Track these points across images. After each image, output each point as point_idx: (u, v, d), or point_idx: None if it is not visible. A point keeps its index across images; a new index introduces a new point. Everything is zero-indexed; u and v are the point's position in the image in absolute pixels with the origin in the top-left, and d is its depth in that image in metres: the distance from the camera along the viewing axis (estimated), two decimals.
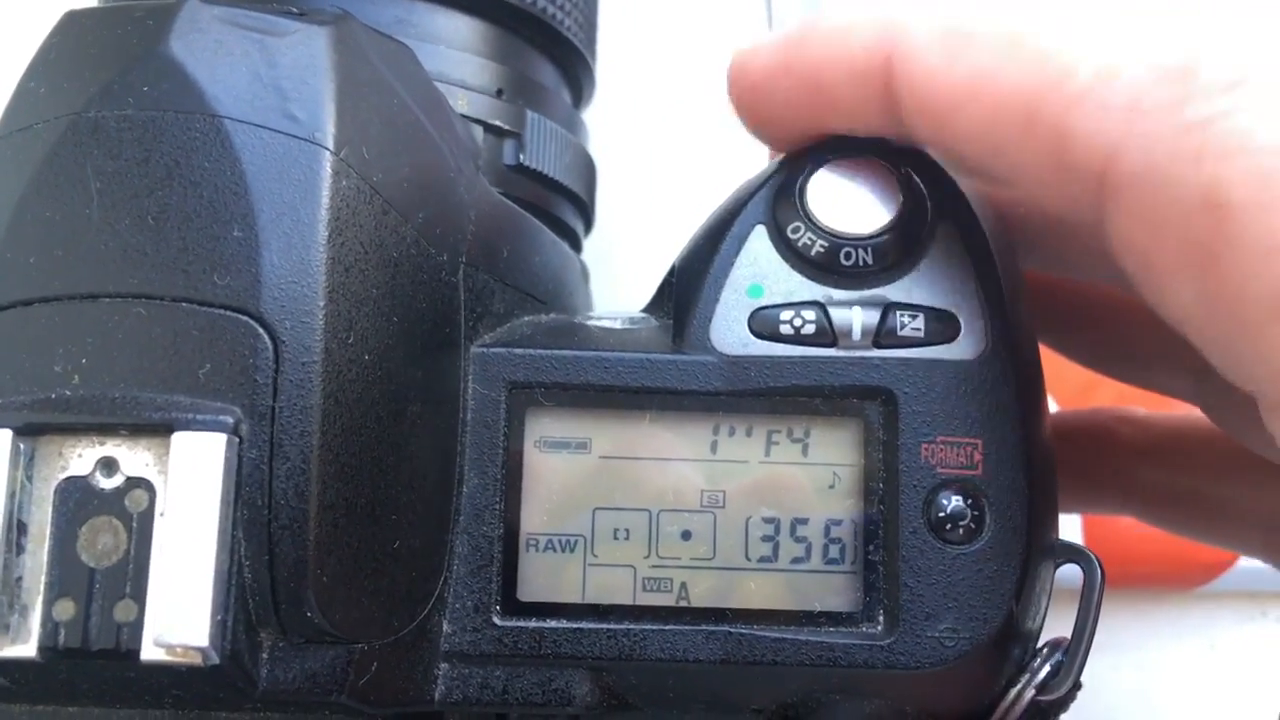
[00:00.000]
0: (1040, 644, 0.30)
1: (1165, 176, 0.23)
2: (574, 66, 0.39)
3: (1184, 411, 0.36)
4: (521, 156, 0.35)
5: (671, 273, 0.32)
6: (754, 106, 0.30)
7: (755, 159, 0.37)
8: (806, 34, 0.28)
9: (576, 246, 0.40)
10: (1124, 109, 0.23)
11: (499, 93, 0.35)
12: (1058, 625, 0.30)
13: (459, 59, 0.34)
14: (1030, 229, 0.33)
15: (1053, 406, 0.49)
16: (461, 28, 0.35)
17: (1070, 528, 0.49)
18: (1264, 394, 0.23)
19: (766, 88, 0.29)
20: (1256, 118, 0.22)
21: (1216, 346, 0.24)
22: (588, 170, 0.39)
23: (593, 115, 0.44)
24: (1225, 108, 0.22)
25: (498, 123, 0.34)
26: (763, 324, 0.29)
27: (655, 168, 0.52)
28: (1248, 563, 0.49)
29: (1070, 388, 0.49)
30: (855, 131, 0.29)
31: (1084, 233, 0.30)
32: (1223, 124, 0.22)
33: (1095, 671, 0.49)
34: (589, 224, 0.41)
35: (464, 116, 0.33)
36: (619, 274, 0.45)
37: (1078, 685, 0.30)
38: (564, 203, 0.38)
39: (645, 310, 0.32)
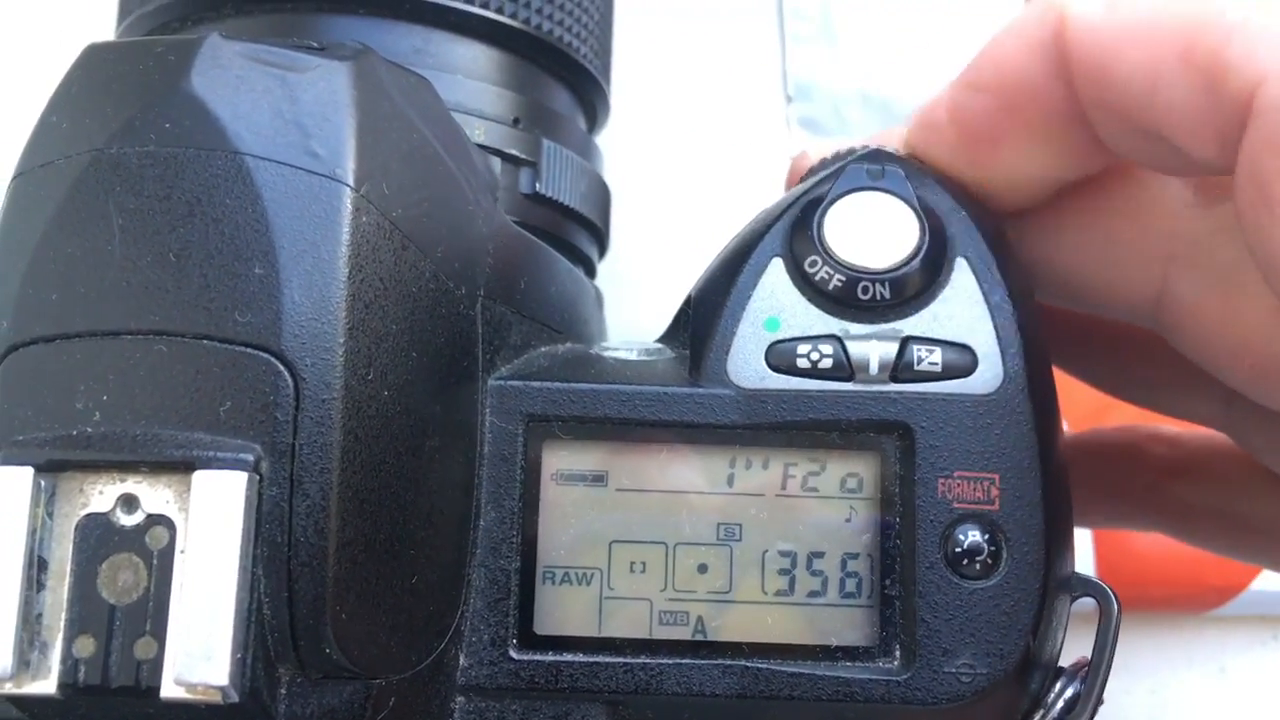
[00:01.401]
0: (1056, 670, 0.30)
1: None
2: (589, 92, 0.39)
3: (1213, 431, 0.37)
4: (538, 185, 0.35)
5: (688, 303, 0.32)
6: (944, 137, 0.30)
7: (771, 181, 0.37)
8: (987, 44, 0.29)
9: (591, 273, 0.40)
10: (1277, 36, 0.24)
11: (515, 121, 0.35)
12: (1075, 647, 0.30)
13: (476, 89, 0.35)
14: (1062, 272, 0.33)
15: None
16: (479, 57, 0.35)
17: (1083, 551, 0.49)
18: None
19: (957, 111, 0.30)
20: None
21: None
22: (602, 196, 0.39)
23: (607, 137, 0.44)
24: None
25: (514, 152, 0.35)
26: (780, 357, 0.30)
27: (669, 190, 0.52)
28: (1259, 587, 0.49)
29: (1082, 411, 0.49)
30: (1041, 123, 0.29)
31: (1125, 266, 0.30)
32: None
33: (1108, 694, 0.49)
34: (603, 250, 0.41)
35: (481, 146, 0.34)
36: (633, 297, 0.46)
37: (1098, 704, 0.30)
38: (579, 230, 0.38)
39: (661, 340, 0.32)
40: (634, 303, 0.45)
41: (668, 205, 0.51)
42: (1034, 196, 0.31)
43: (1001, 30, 0.29)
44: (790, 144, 0.52)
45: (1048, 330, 0.35)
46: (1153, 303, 0.30)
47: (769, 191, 0.34)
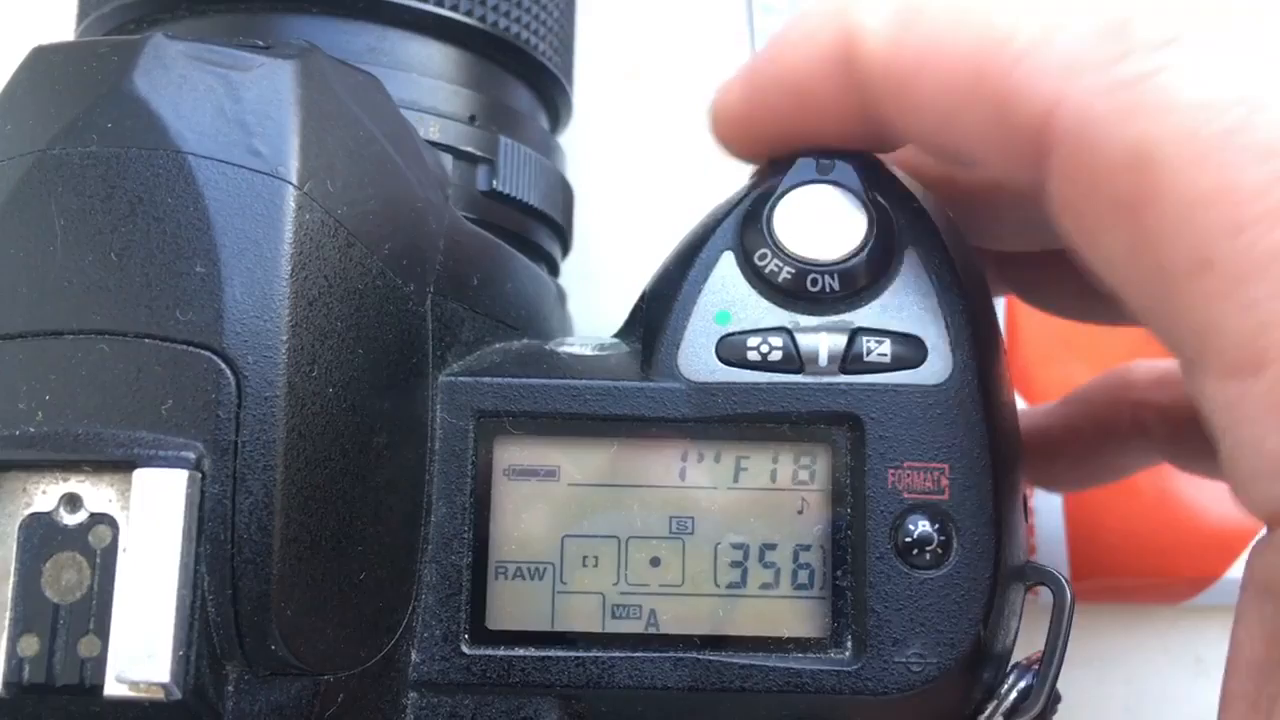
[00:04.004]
0: (1011, 664, 0.30)
1: (1098, 133, 0.23)
2: (549, 90, 0.39)
3: None
4: (495, 182, 0.35)
5: (643, 298, 0.32)
6: (737, 131, 0.31)
7: (740, 176, 0.37)
8: (773, 41, 0.29)
9: (554, 270, 0.40)
10: (1061, 67, 0.24)
11: (471, 119, 0.35)
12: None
13: (431, 86, 0.35)
14: (994, 209, 0.33)
15: None
16: (434, 55, 0.35)
17: (1056, 545, 0.49)
18: (1183, 353, 0.23)
19: (748, 107, 0.30)
20: (1186, 75, 0.22)
21: (1143, 304, 0.24)
22: (564, 194, 0.39)
23: (577, 133, 0.44)
24: (1157, 65, 0.23)
25: (470, 149, 0.35)
26: (730, 350, 0.30)
27: (639, 185, 0.52)
28: (1233, 577, 0.49)
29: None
30: (833, 129, 0.29)
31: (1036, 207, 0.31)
32: (1153, 81, 0.23)
33: (1083, 686, 0.50)
34: (566, 247, 0.41)
35: (435, 144, 0.34)
36: (604, 293, 0.46)
37: (1057, 700, 0.30)
38: (539, 227, 0.38)
39: (617, 335, 0.33)
40: (604, 299, 0.45)
41: (638, 201, 0.51)
42: None
43: (786, 32, 0.29)
44: None
45: (1007, 270, 0.35)
46: None
47: (738, 187, 0.33)
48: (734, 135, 0.31)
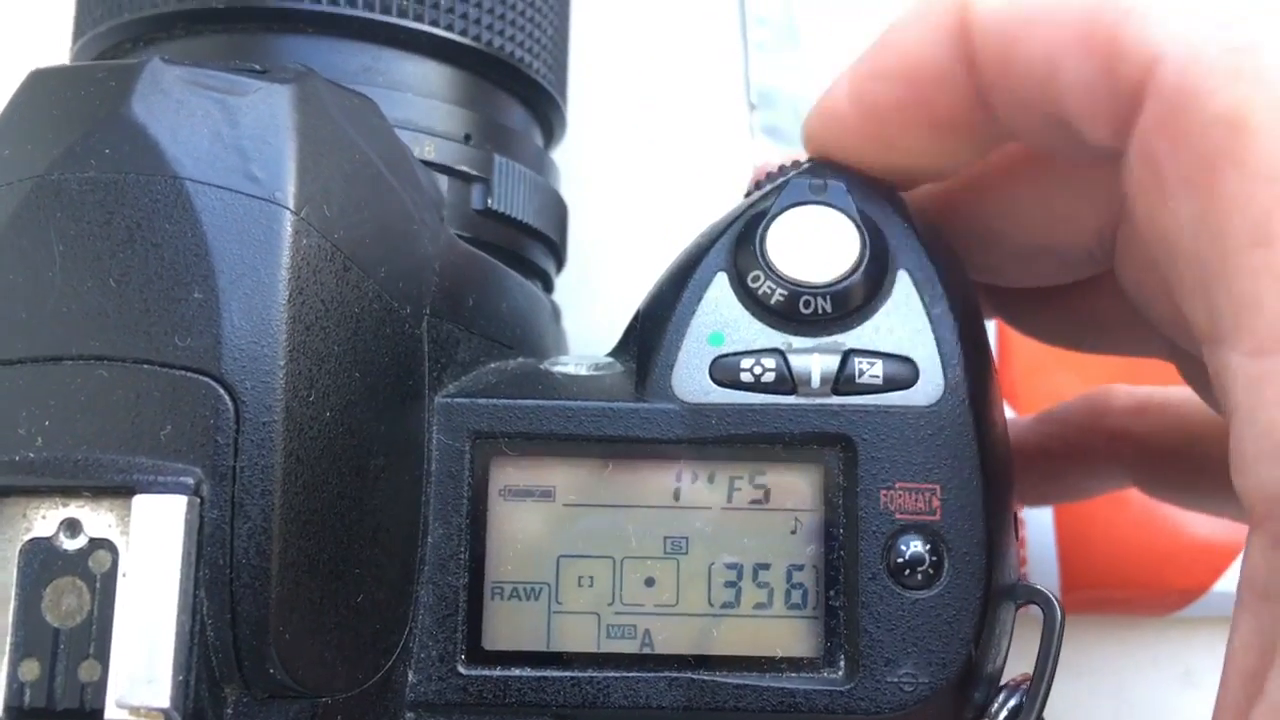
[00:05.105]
0: (1001, 683, 0.30)
1: (1199, 88, 0.24)
2: (544, 107, 0.40)
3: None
4: (490, 201, 0.35)
5: (637, 318, 0.32)
6: (845, 130, 0.31)
7: (735, 189, 0.37)
8: (886, 31, 0.29)
9: (548, 287, 0.40)
10: (1176, 20, 0.24)
11: (467, 138, 0.35)
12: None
13: (426, 106, 0.35)
14: (991, 242, 0.34)
15: None
16: (429, 74, 0.35)
17: (1046, 556, 0.49)
18: (1217, 325, 0.24)
19: (859, 100, 0.30)
20: None
21: (1192, 273, 0.24)
22: (558, 211, 0.39)
23: (571, 147, 0.44)
24: (1274, 33, 0.23)
25: (465, 168, 0.35)
26: (724, 372, 0.30)
27: (633, 200, 0.52)
28: (1222, 589, 0.49)
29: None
30: (945, 110, 0.29)
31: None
32: (1267, 49, 0.23)
33: (1072, 698, 0.50)
34: (560, 264, 0.41)
35: (430, 163, 0.34)
36: (599, 309, 0.46)
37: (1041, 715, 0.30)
38: (534, 244, 0.38)
39: (611, 354, 0.33)
40: (599, 314, 0.45)
41: (632, 215, 0.52)
42: (934, 180, 0.32)
43: (903, 16, 0.29)
44: (753, 152, 0.53)
45: (998, 297, 0.35)
46: (1110, 239, 0.31)
47: (733, 200, 0.34)
48: (840, 135, 0.31)
